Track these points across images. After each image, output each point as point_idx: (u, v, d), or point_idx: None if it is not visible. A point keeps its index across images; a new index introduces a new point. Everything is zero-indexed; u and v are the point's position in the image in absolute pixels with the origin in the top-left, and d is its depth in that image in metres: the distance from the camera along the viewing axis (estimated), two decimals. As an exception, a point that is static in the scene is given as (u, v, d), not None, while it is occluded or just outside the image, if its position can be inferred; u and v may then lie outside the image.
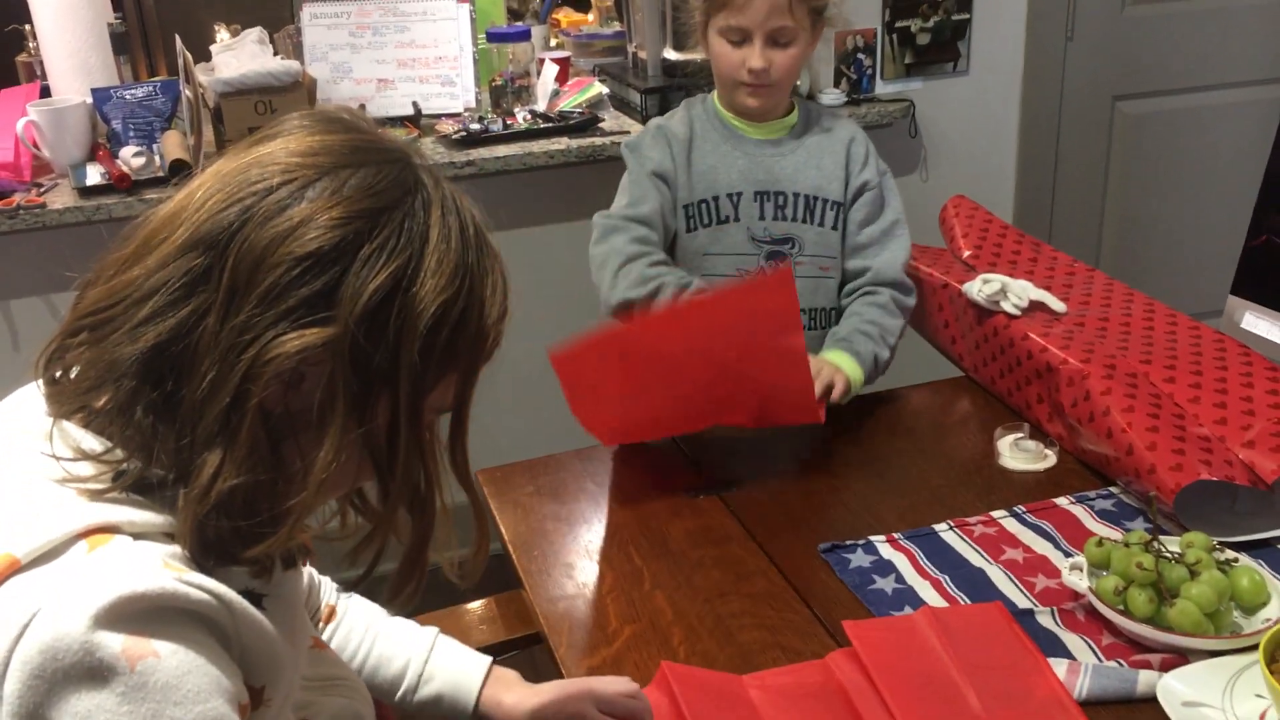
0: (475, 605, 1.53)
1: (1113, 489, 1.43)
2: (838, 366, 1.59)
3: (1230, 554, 1.21)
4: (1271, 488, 1.31)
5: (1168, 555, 1.17)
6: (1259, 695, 1.05)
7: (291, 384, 0.76)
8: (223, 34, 2.48)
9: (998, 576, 1.28)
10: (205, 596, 0.72)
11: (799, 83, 2.57)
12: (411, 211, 0.78)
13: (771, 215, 1.71)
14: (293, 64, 2.19)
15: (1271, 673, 1.01)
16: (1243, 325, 1.81)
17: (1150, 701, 1.08)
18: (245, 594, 0.77)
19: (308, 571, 1.10)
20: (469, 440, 0.87)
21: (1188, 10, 2.89)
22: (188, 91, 2.24)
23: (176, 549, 0.75)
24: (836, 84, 2.62)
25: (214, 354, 0.74)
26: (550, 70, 2.55)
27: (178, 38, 2.25)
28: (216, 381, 0.74)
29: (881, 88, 2.65)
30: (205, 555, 0.76)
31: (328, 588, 1.16)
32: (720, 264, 1.71)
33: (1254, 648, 1.06)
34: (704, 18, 1.66)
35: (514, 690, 1.11)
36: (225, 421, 0.74)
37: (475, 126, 2.37)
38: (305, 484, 0.77)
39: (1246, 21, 2.91)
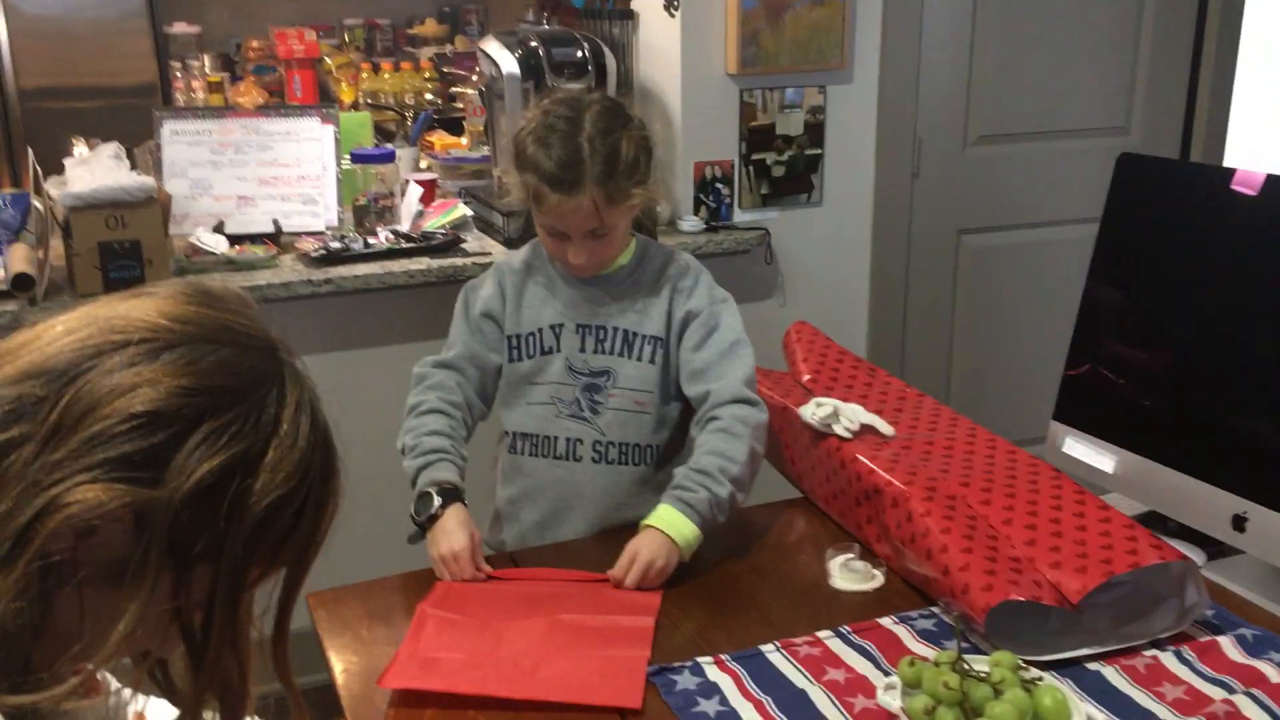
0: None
1: (934, 609, 1.48)
2: (664, 534, 1.54)
3: (1035, 673, 1.25)
4: (1078, 608, 1.36)
5: (974, 675, 1.21)
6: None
7: (81, 534, 0.73)
8: (80, 148, 2.47)
9: (818, 697, 1.30)
10: None
11: (660, 208, 2.67)
12: (264, 402, 0.78)
13: (591, 349, 1.74)
14: (147, 180, 2.19)
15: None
16: (1064, 450, 1.90)
17: (954, 821, 1.09)
18: None
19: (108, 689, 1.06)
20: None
21: (1023, 152, 3.09)
22: (38, 204, 2.22)
23: None
24: (696, 211, 2.71)
25: (18, 485, 0.72)
26: (415, 191, 2.60)
27: (29, 151, 2.23)
28: (11, 511, 0.72)
29: (739, 216, 2.75)
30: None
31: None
32: (539, 392, 1.76)
33: (1050, 765, 1.09)
34: (526, 205, 1.72)
35: None
36: (5, 554, 0.72)
37: (336, 245, 2.39)
38: (92, 643, 0.75)
39: (1076, 163, 3.12)
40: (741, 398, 1.69)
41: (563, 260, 1.71)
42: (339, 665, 1.40)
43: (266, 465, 0.77)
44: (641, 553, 1.53)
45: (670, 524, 1.55)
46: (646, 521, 1.57)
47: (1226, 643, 1.38)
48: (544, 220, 1.68)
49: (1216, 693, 1.29)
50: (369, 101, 3.88)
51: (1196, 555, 1.81)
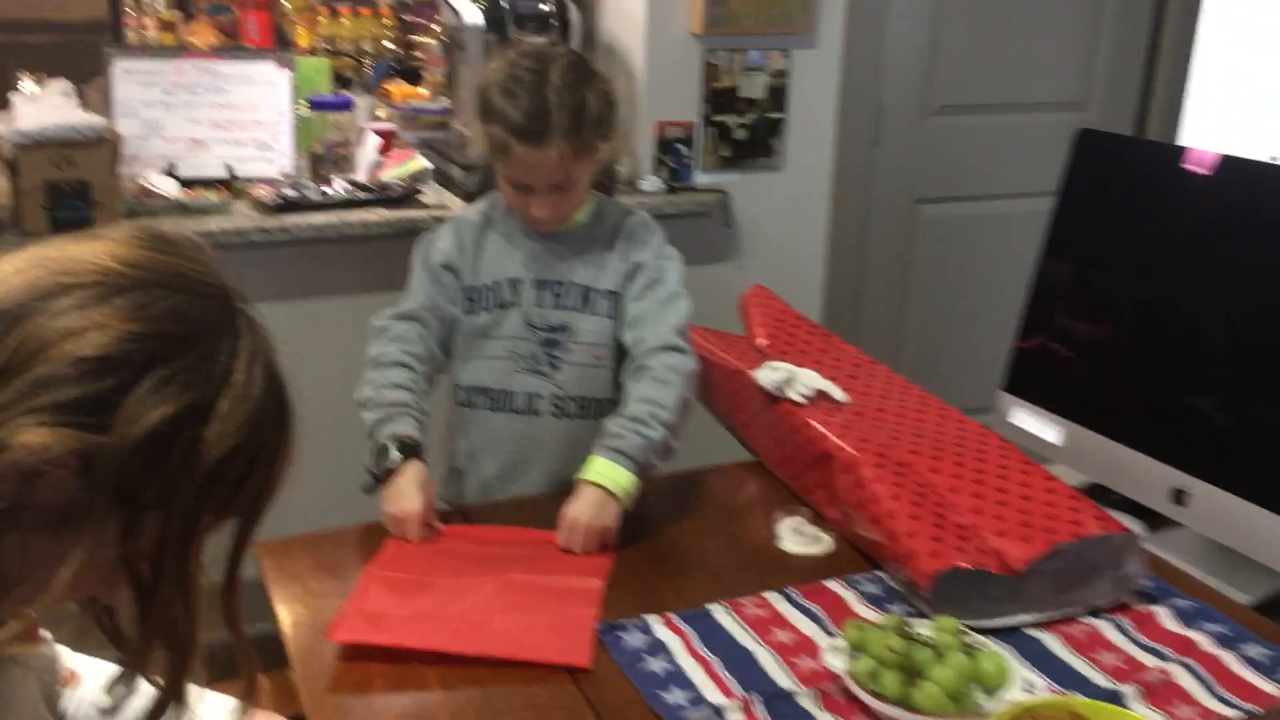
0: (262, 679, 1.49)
1: (880, 573, 1.50)
2: (599, 488, 1.54)
3: (977, 638, 1.28)
4: (1021, 575, 1.38)
5: (918, 639, 1.23)
6: (992, 774, 1.10)
7: (27, 478, 0.72)
8: (28, 84, 2.40)
9: (764, 658, 1.32)
10: None
11: (620, 167, 2.66)
12: (216, 350, 0.77)
13: (550, 304, 1.74)
14: (97, 119, 2.14)
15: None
16: (1011, 420, 1.93)
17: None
18: None
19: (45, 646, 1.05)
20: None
21: (983, 124, 3.10)
22: (-17, 140, 2.16)
23: None
24: (656, 172, 2.70)
25: None
26: (372, 141, 2.56)
27: (-24, 84, 2.17)
28: None
29: (699, 178, 2.74)
30: None
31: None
32: (496, 347, 1.75)
33: (989, 728, 1.12)
34: (490, 158, 1.69)
35: None
36: None
37: (291, 193, 2.35)
38: (35, 587, 0.74)
39: (1034, 137, 3.14)
40: (672, 345, 1.69)
41: (524, 214, 1.70)
42: (287, 617, 1.39)
43: (219, 414, 0.76)
44: (579, 520, 1.53)
45: (604, 474, 1.55)
46: (580, 475, 1.57)
47: (1163, 612, 1.42)
48: (508, 173, 1.67)
49: (1151, 660, 1.33)
50: (326, 47, 3.80)
51: (1137, 527, 1.85)
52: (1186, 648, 1.34)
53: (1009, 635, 1.37)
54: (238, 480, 0.78)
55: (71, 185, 2.11)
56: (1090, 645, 1.36)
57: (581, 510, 1.54)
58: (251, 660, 0.86)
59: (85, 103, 2.33)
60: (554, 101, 1.61)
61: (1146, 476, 1.81)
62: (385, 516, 1.56)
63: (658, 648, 1.33)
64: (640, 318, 1.72)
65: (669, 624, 1.37)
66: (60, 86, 2.24)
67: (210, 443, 0.75)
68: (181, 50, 2.40)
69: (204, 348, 0.76)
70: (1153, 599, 1.45)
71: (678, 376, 1.67)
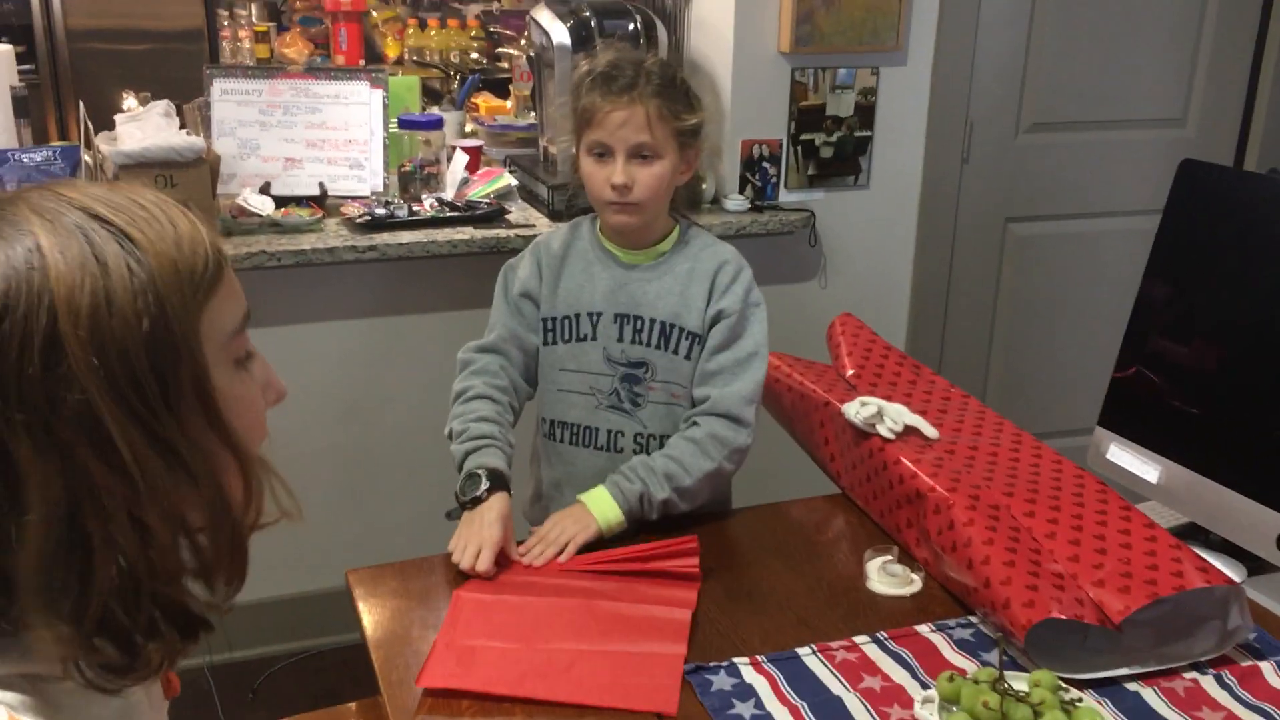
0: (351, 706, 1.52)
1: (972, 618, 1.47)
2: (588, 512, 1.59)
3: (1075, 694, 1.25)
4: (1119, 627, 1.35)
5: (1014, 694, 1.21)
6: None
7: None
8: (130, 101, 2.47)
9: (854, 705, 1.30)
10: None
11: (705, 185, 2.65)
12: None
13: (630, 339, 1.73)
14: (196, 140, 2.19)
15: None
16: (1108, 456, 1.88)
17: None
18: None
19: None
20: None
21: (1076, 140, 3.04)
22: (88, 158, 2.22)
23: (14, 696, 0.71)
24: (741, 190, 2.69)
25: None
26: (460, 159, 2.58)
27: (80, 104, 2.23)
28: None
29: (785, 196, 2.73)
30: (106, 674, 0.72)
31: None
32: (575, 380, 1.75)
33: (1088, 793, 1.09)
34: (576, 138, 1.71)
35: None
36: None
37: (380, 211, 2.39)
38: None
39: (1130, 154, 3.06)
40: (733, 415, 1.69)
41: (601, 195, 1.67)
42: (377, 647, 1.41)
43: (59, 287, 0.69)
44: (552, 532, 1.58)
45: (597, 504, 1.61)
46: (581, 497, 1.63)
47: (1268, 669, 1.37)
48: (591, 136, 1.66)
49: (1256, 721, 1.29)
50: (414, 58, 3.86)
51: (1237, 570, 1.80)
52: (1294, 708, 1.30)
53: (1106, 687, 1.33)
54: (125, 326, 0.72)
55: (171, 205, 2.16)
56: (1192, 702, 1.32)
57: (563, 522, 1.59)
58: (251, 465, 0.80)
59: (184, 122, 2.39)
60: (645, 64, 1.65)
61: (1248, 519, 1.75)
62: (455, 541, 1.55)
63: (746, 692, 1.32)
64: (714, 374, 1.70)
65: (757, 667, 1.36)
66: (161, 107, 2.30)
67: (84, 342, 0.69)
68: (277, 70, 2.44)
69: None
70: (1258, 653, 1.40)
71: (722, 450, 1.67)
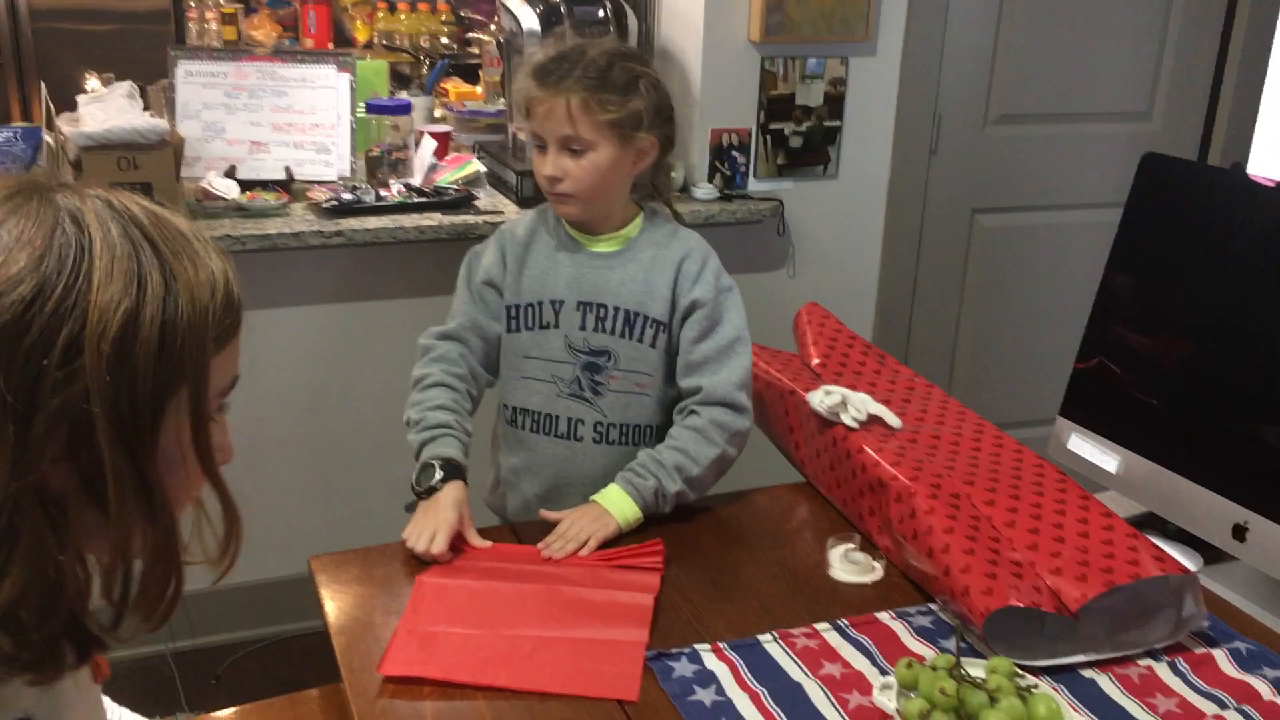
0: (313, 693, 1.52)
1: (932, 606, 1.48)
2: (606, 511, 1.60)
3: (1030, 680, 1.26)
4: (1076, 615, 1.37)
5: (971, 680, 1.22)
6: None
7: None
8: (93, 82, 2.44)
9: (814, 691, 1.31)
10: None
11: (675, 174, 2.65)
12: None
13: (592, 326, 1.72)
14: (160, 122, 2.16)
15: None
16: (1068, 446, 1.90)
17: (943, 827, 1.11)
18: None
19: (111, 706, 1.06)
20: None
21: (1043, 133, 3.06)
22: (49, 139, 2.19)
23: None
24: (710, 179, 2.69)
25: None
26: (429, 144, 2.57)
27: (43, 85, 2.20)
28: None
29: (754, 185, 2.73)
30: None
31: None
32: (537, 368, 1.75)
33: (1041, 778, 1.11)
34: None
35: None
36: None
37: (347, 196, 2.37)
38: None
39: (1096, 147, 3.09)
40: (730, 401, 1.69)
41: (539, 179, 1.68)
42: (339, 633, 1.40)
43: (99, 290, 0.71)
44: (571, 530, 1.57)
45: (614, 503, 1.61)
46: (595, 498, 1.62)
47: (1221, 656, 1.40)
48: (531, 127, 1.68)
49: (1209, 707, 1.30)
50: (384, 42, 3.83)
51: (1194, 559, 1.82)
52: (1246, 695, 1.32)
53: (1062, 675, 1.35)
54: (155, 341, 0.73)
55: (134, 187, 2.13)
56: (1146, 689, 1.34)
57: (582, 519, 1.59)
58: (230, 502, 0.83)
59: (149, 104, 2.36)
60: (588, 54, 1.63)
61: (1205, 509, 1.78)
62: (410, 528, 1.55)
63: (708, 678, 1.32)
64: (700, 364, 1.70)
65: (718, 653, 1.37)
66: (124, 88, 2.27)
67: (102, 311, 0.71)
68: (243, 53, 2.42)
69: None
70: (1211, 641, 1.42)
71: (724, 435, 1.68)
